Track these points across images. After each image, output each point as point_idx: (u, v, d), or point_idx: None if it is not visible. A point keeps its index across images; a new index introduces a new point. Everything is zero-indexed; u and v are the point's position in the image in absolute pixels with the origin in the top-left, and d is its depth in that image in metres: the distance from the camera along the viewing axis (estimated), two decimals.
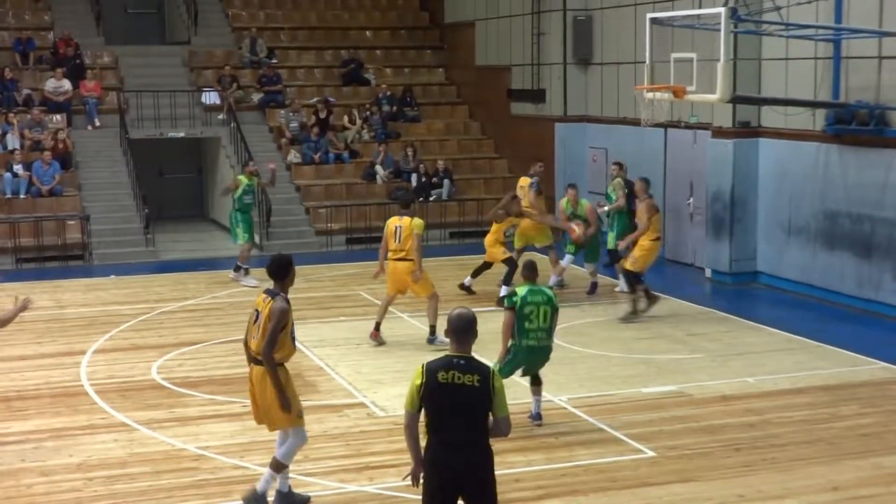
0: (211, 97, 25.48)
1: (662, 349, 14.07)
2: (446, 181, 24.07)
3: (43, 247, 20.99)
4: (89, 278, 19.44)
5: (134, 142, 23.80)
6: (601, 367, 13.14)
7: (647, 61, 15.88)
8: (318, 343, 14.28)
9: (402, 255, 13.91)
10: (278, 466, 8.74)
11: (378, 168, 24.31)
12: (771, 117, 17.75)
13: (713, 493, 9.18)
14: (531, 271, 10.93)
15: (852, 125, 15.99)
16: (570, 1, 22.99)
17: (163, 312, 16.43)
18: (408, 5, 30.26)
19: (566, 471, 9.71)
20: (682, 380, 12.56)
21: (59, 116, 24.26)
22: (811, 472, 9.62)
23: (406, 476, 7.02)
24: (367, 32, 29.23)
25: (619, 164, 18.36)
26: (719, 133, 18.45)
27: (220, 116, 25.18)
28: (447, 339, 6.96)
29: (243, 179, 18.89)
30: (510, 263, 16.75)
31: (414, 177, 24.19)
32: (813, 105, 16.64)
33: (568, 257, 17.39)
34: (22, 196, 21.81)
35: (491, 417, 6.73)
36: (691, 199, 19.66)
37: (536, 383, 10.94)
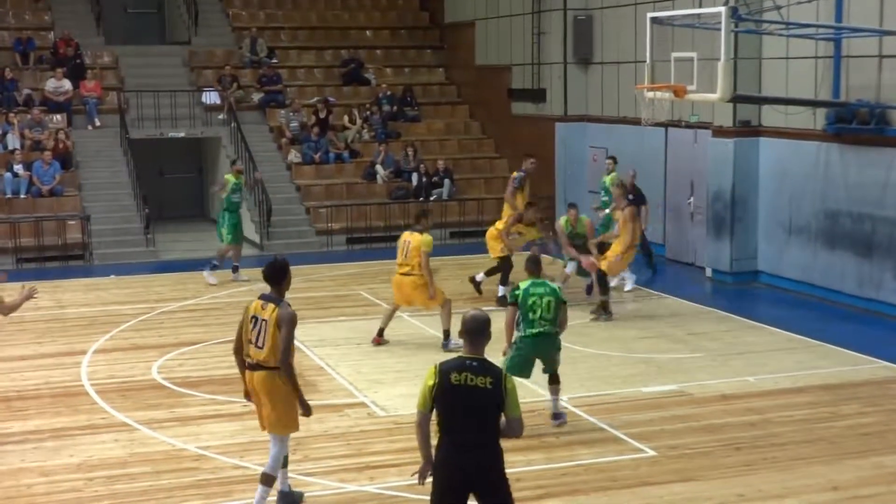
0: (211, 97, 25.48)
1: (663, 348, 14.06)
2: (447, 181, 24.07)
3: (43, 247, 20.99)
4: (89, 278, 19.44)
5: (134, 142, 23.80)
6: (601, 367, 13.14)
7: (648, 61, 15.89)
8: (318, 343, 14.27)
9: (407, 269, 13.71)
10: (270, 480, 8.52)
11: (378, 168, 24.30)
12: (771, 116, 17.74)
13: (713, 492, 9.17)
14: (535, 265, 10.90)
15: (853, 124, 15.98)
16: (570, 0, 22.98)
17: (163, 312, 16.43)
18: (408, 5, 30.26)
19: (566, 470, 9.70)
20: (682, 379, 12.55)
21: (59, 116, 24.27)
22: (812, 472, 9.61)
23: (414, 474, 7.04)
24: (368, 32, 29.24)
25: (613, 159, 18.79)
26: (720, 132, 18.43)
27: (221, 116, 25.18)
28: (461, 341, 6.95)
29: (230, 179, 18.89)
30: (505, 262, 16.70)
31: (414, 176, 24.18)
32: (813, 104, 16.63)
33: (572, 264, 17.34)
34: (22, 196, 21.83)
35: (503, 418, 6.75)
36: (692, 199, 19.64)
37: (554, 381, 10.81)
